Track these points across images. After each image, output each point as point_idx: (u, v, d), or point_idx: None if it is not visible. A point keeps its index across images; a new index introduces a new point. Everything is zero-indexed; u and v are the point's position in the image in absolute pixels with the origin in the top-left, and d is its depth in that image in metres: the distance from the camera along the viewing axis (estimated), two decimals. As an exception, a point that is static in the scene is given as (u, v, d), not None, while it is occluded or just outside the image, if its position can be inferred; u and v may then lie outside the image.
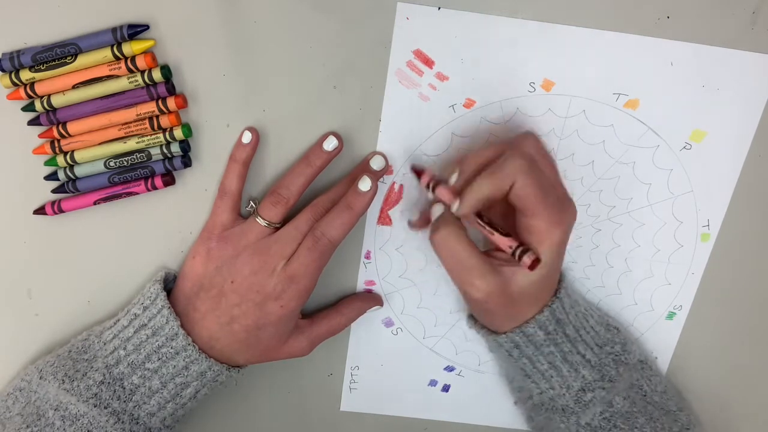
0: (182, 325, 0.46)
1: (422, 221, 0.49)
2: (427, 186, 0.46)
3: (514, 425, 0.58)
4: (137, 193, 0.47)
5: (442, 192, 0.44)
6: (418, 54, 0.46)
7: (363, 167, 0.48)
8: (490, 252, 0.46)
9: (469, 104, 0.47)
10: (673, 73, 0.47)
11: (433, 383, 0.56)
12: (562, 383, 0.48)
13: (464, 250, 0.43)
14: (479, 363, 0.55)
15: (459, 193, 0.43)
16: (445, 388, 0.57)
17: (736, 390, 0.57)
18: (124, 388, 0.46)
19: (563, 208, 0.43)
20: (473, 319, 0.51)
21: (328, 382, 0.56)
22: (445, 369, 0.56)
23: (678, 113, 0.48)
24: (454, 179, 0.44)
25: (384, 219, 0.51)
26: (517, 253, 0.43)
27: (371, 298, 0.52)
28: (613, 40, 0.46)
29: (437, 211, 0.45)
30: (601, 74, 0.47)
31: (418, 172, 0.47)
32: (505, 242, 0.43)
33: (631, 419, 0.48)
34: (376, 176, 0.47)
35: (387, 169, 0.49)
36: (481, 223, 0.43)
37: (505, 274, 0.44)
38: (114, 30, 0.43)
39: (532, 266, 0.42)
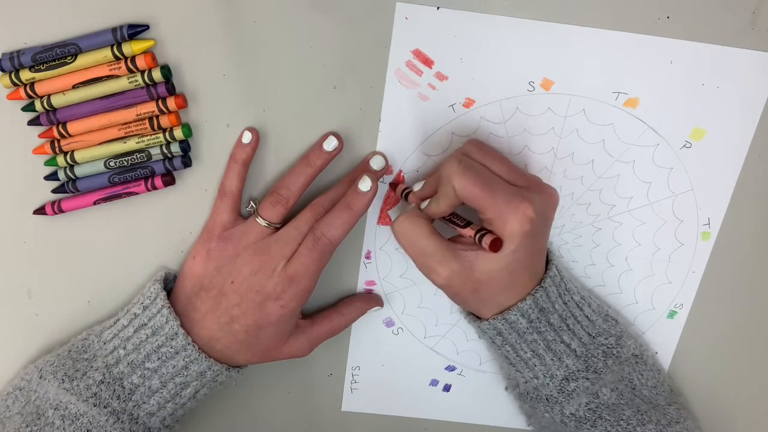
0: (182, 325, 0.46)
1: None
2: (402, 194, 0.49)
3: (515, 425, 0.58)
4: (137, 193, 0.47)
5: (411, 198, 0.48)
6: (418, 54, 0.46)
7: (363, 167, 0.48)
8: (455, 238, 0.46)
9: (468, 104, 0.47)
10: (673, 72, 0.47)
11: (434, 383, 0.56)
12: (546, 372, 0.48)
13: (424, 237, 0.44)
14: (480, 363, 0.55)
15: (423, 198, 0.46)
16: (446, 388, 0.56)
17: (736, 389, 0.57)
18: (124, 388, 0.46)
19: (516, 198, 0.43)
20: None
21: (329, 383, 0.56)
22: (446, 369, 0.56)
23: (678, 112, 0.48)
24: (418, 187, 0.47)
25: (384, 219, 0.51)
26: (478, 237, 0.44)
27: (372, 299, 0.52)
28: (612, 38, 0.46)
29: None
30: (600, 73, 0.47)
31: (393, 186, 0.49)
32: (467, 231, 0.45)
33: (617, 411, 0.48)
34: (376, 176, 0.47)
35: (387, 169, 0.49)
36: (444, 219, 0.46)
37: (468, 258, 0.44)
38: (114, 30, 0.43)
39: (493, 247, 0.43)
